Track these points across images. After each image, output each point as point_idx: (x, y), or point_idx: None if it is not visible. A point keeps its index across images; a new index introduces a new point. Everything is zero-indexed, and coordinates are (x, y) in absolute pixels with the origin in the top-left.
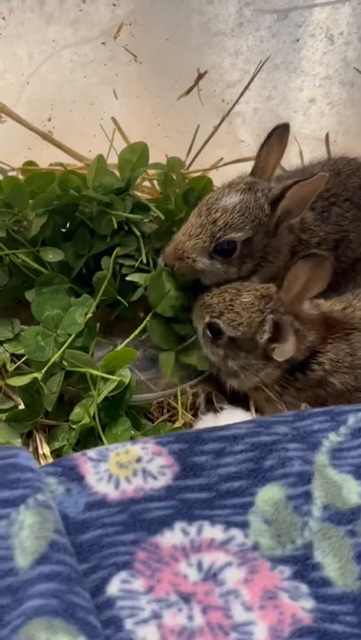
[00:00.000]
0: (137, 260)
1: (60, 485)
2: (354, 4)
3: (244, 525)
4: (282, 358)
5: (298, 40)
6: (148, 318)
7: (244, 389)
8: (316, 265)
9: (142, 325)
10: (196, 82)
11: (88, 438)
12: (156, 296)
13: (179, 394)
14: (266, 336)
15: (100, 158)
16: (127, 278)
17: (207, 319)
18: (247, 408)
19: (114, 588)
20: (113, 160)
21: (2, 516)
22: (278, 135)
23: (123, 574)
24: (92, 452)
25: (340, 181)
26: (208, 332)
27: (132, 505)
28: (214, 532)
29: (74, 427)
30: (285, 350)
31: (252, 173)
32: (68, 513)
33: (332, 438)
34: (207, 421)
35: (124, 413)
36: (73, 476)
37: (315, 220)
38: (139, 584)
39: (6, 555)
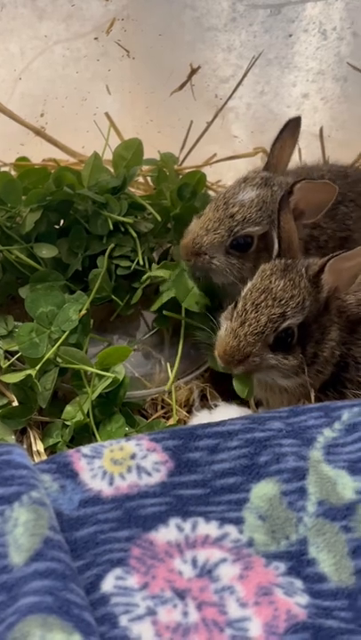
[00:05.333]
0: (133, 262)
1: (55, 482)
2: None
3: (238, 521)
4: None
5: (291, 35)
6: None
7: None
8: None
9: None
10: (189, 77)
11: (82, 435)
12: (181, 291)
13: (173, 391)
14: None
15: (96, 156)
16: (151, 274)
17: (272, 338)
18: (241, 404)
19: (108, 584)
20: (107, 155)
21: None
22: (290, 129)
23: (117, 571)
24: (86, 449)
25: (347, 183)
26: (282, 343)
27: (126, 501)
28: (209, 528)
29: (68, 423)
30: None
31: (266, 168)
32: (63, 510)
33: (327, 434)
34: (202, 418)
35: (118, 410)
36: (67, 472)
37: (323, 217)
38: (133, 580)
39: (0, 552)
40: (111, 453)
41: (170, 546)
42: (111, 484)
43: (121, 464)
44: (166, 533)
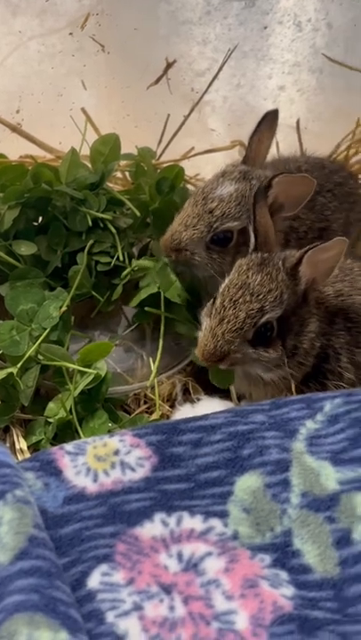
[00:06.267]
0: (113, 257)
1: (38, 480)
2: None
3: (223, 515)
4: None
5: (266, 27)
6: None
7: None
8: None
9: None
10: (165, 71)
11: (65, 432)
12: (164, 283)
13: (156, 385)
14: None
15: (74, 152)
16: (134, 265)
17: (251, 333)
18: (224, 397)
19: (94, 581)
20: (84, 151)
21: None
22: (268, 122)
23: (103, 567)
24: (69, 446)
25: (325, 174)
26: (262, 338)
27: (110, 497)
28: (194, 522)
29: (50, 421)
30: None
31: (244, 162)
32: (47, 507)
33: (309, 425)
34: (184, 412)
35: (100, 406)
36: (51, 470)
37: (302, 209)
38: (119, 576)
39: None
40: (95, 450)
41: (155, 541)
42: (95, 480)
43: (105, 460)
44: (151, 528)
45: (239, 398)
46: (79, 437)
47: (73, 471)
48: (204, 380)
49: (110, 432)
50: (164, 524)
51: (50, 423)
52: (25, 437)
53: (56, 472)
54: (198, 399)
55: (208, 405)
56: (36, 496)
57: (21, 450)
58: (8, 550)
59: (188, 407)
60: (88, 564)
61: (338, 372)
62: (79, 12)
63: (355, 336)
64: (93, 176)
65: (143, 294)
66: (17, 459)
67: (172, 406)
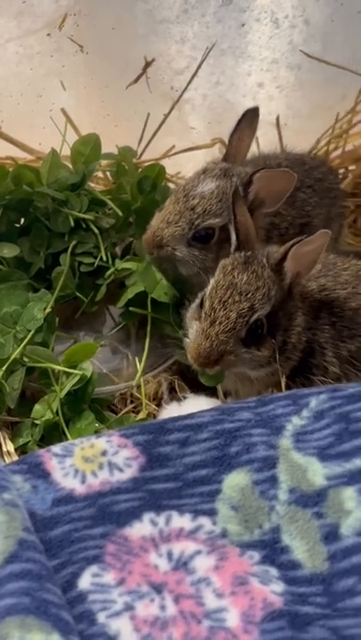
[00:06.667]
0: (96, 258)
1: (27, 483)
2: None
3: (211, 513)
4: None
5: (243, 25)
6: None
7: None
8: None
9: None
10: (144, 70)
11: (52, 433)
12: (149, 283)
13: (142, 385)
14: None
15: (54, 153)
16: (119, 265)
17: (244, 332)
18: (210, 395)
19: (85, 582)
20: (65, 151)
21: None
22: (248, 120)
23: (93, 568)
24: (56, 448)
25: (305, 170)
26: (254, 336)
27: (99, 498)
28: (183, 521)
29: (37, 422)
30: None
31: (225, 159)
32: (36, 510)
33: (295, 422)
34: (171, 410)
35: (87, 407)
36: (39, 472)
37: (283, 205)
38: (110, 577)
39: None
40: (82, 451)
41: (144, 540)
42: (83, 481)
43: (92, 461)
44: (140, 528)
45: (225, 395)
46: (66, 439)
47: (61, 473)
48: (190, 378)
49: (97, 432)
50: (153, 523)
51: (37, 425)
52: (12, 440)
53: (44, 474)
54: (185, 397)
55: (194, 403)
56: (24, 499)
57: (8, 452)
58: None
59: (175, 406)
60: (78, 566)
61: (323, 367)
62: (56, 13)
63: (339, 330)
64: (75, 177)
65: (130, 294)
66: (4, 461)
67: (159, 405)
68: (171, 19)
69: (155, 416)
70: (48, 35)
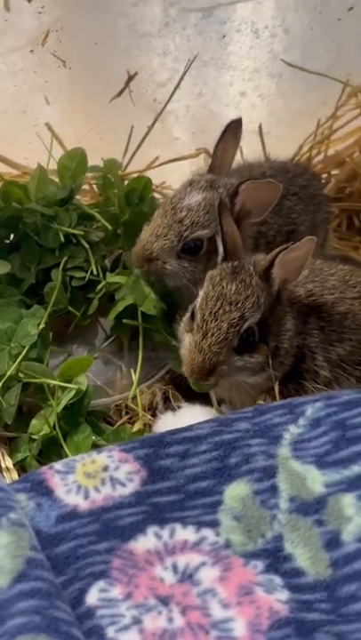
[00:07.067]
0: (87, 272)
1: (31, 501)
2: None
3: (214, 524)
4: None
5: (224, 36)
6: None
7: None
8: None
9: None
10: (127, 83)
11: (50, 448)
12: (139, 296)
13: (138, 396)
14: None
15: (41, 169)
16: (109, 279)
17: (236, 341)
18: (204, 403)
19: (93, 597)
20: (51, 165)
21: None
22: (232, 131)
23: (100, 583)
24: (58, 465)
25: (289, 178)
26: (246, 344)
27: (103, 514)
28: (186, 533)
29: (35, 437)
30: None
31: (210, 170)
32: (41, 527)
33: (293, 430)
34: (166, 420)
35: (83, 420)
36: (42, 490)
37: (269, 213)
38: (117, 591)
39: None
40: (84, 467)
41: (150, 554)
42: (86, 497)
43: (94, 477)
44: (145, 542)
45: (219, 403)
46: (64, 452)
47: (64, 490)
48: (184, 387)
49: (95, 445)
50: (158, 536)
51: (34, 440)
52: (10, 455)
53: (47, 492)
54: (179, 407)
55: (189, 412)
56: (29, 517)
57: (7, 468)
58: (6, 573)
59: (170, 415)
60: (85, 581)
61: (314, 371)
62: (39, 30)
63: (328, 335)
64: (62, 192)
65: (120, 307)
66: (4, 477)
67: (154, 415)
68: (152, 32)
69: (150, 426)
70: (31, 51)
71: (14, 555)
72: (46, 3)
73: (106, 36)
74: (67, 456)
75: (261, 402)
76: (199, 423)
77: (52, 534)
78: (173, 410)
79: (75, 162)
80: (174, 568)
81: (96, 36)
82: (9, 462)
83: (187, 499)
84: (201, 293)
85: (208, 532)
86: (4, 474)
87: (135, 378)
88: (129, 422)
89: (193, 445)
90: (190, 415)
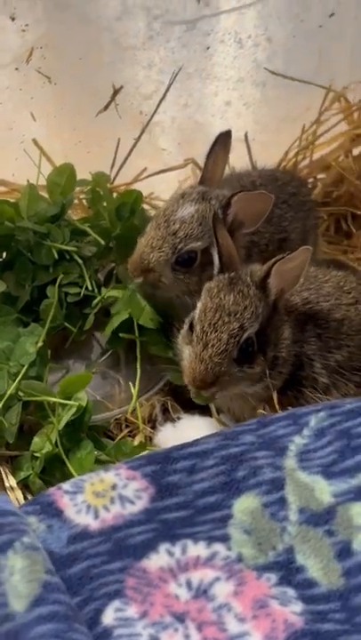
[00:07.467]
0: (81, 287)
1: (41, 523)
2: (259, 7)
3: (225, 539)
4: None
5: (208, 47)
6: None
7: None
8: None
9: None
10: (113, 97)
11: (53, 464)
12: (135, 310)
13: (138, 410)
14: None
15: (32, 187)
16: (105, 294)
17: (235, 350)
18: (203, 413)
19: (109, 617)
20: (40, 181)
21: None
22: (222, 143)
23: (116, 603)
24: (67, 485)
25: (278, 186)
26: (245, 354)
27: (114, 533)
28: (198, 549)
29: (37, 455)
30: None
31: (201, 182)
32: (53, 549)
33: (298, 441)
34: (166, 432)
35: (85, 436)
36: (52, 511)
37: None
38: (132, 610)
39: (0, 601)
40: (92, 486)
41: (163, 571)
42: (96, 517)
43: (103, 496)
44: (158, 560)
45: (218, 412)
46: (67, 469)
47: (73, 510)
48: (183, 398)
49: (98, 460)
50: (170, 553)
51: (36, 458)
52: (13, 474)
53: (57, 513)
54: (179, 418)
55: (189, 423)
56: (40, 539)
57: (11, 487)
58: (23, 598)
59: (170, 427)
60: (100, 602)
61: (312, 378)
62: (23, 48)
63: (325, 341)
64: (53, 208)
65: (115, 322)
66: (8, 496)
67: (154, 427)
68: (137, 46)
69: (151, 439)
70: (16, 69)
71: (30, 579)
72: (30, 20)
73: (90, 51)
74: (70, 472)
75: (261, 410)
76: (204, 437)
77: (65, 555)
78: (173, 421)
79: (64, 178)
80: (188, 584)
81: (80, 51)
82: (12, 481)
83: (196, 514)
84: (199, 305)
85: (219, 547)
86: (8, 493)
87: (135, 391)
88: (129, 435)
89: (200, 460)
90: (190, 426)
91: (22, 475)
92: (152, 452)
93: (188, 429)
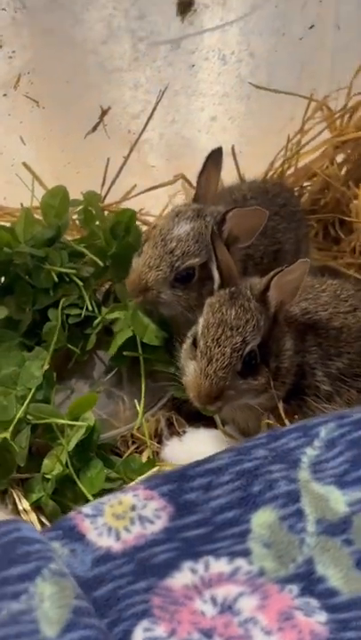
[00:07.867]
0: (82, 308)
1: (65, 548)
2: (241, 24)
3: (246, 553)
4: None
5: (193, 65)
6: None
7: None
8: None
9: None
10: (101, 118)
11: (64, 485)
12: (139, 328)
13: (145, 426)
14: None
15: (27, 211)
16: (106, 315)
17: (239, 363)
18: (208, 425)
19: (138, 637)
20: (33, 203)
21: (21, 592)
22: (214, 160)
23: (144, 623)
24: (86, 509)
25: (269, 199)
26: (249, 367)
27: (136, 553)
28: (220, 565)
29: (48, 477)
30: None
31: (195, 200)
32: (78, 572)
33: (310, 453)
34: (173, 446)
35: (94, 455)
36: (74, 536)
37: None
38: (161, 629)
39: (33, 628)
40: (112, 509)
41: (187, 589)
42: (118, 538)
43: (123, 517)
44: (181, 578)
45: (223, 424)
46: (79, 489)
47: (95, 533)
48: (187, 411)
49: (108, 478)
50: (193, 571)
51: (47, 479)
52: (25, 496)
53: (79, 537)
54: (184, 432)
55: (195, 436)
56: (65, 563)
57: (25, 510)
58: (54, 624)
59: (176, 441)
60: (129, 622)
61: (315, 386)
62: (10, 74)
63: (326, 350)
64: (49, 231)
65: (119, 340)
66: (22, 519)
67: (160, 442)
68: (123, 67)
69: (157, 453)
70: (4, 95)
71: (60, 605)
72: (16, 47)
73: (77, 74)
74: (81, 492)
75: (266, 420)
76: (218, 454)
77: (90, 578)
78: (179, 435)
79: (57, 200)
80: (213, 600)
81: (67, 74)
82: (25, 504)
83: (215, 530)
84: (201, 321)
85: (241, 562)
86: (22, 515)
87: (140, 408)
88: (136, 451)
89: (215, 477)
90: (196, 439)
91: (34, 497)
92: (167, 471)
93: (195, 442)
